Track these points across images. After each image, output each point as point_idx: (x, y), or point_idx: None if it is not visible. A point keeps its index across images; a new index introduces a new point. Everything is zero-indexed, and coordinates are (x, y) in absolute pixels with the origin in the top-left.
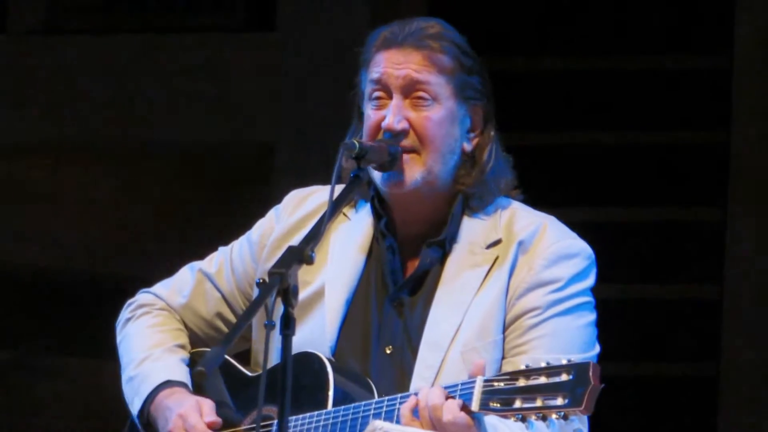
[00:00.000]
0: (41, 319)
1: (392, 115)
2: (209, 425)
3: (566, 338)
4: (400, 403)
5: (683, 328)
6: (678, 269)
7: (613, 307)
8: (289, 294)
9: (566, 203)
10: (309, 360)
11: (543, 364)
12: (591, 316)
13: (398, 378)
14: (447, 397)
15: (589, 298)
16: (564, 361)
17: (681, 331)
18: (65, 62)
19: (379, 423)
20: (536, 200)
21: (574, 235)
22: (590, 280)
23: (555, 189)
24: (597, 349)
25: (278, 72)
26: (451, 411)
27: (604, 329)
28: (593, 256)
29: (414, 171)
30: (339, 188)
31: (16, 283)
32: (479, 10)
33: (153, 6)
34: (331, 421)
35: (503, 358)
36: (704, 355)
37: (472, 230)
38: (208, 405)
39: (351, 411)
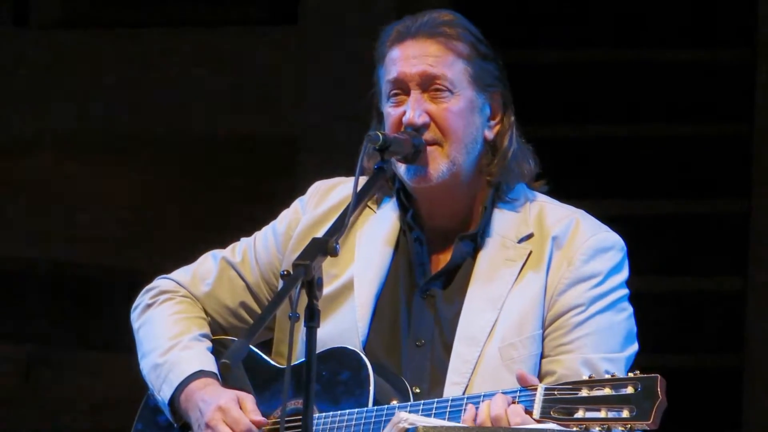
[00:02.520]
0: (64, 314)
1: (412, 109)
2: (255, 423)
3: (611, 335)
4: (452, 408)
5: (708, 319)
6: (702, 261)
7: (638, 299)
8: (313, 286)
9: (589, 196)
10: (347, 356)
11: (606, 376)
12: (630, 309)
13: (431, 371)
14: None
15: (626, 291)
16: (630, 374)
17: (706, 323)
18: (86, 56)
19: (404, 414)
20: (560, 193)
21: (606, 227)
22: (625, 272)
23: (578, 181)
24: (636, 343)
25: (302, 64)
26: (519, 414)
27: (644, 321)
28: (626, 247)
29: (438, 164)
30: (363, 181)
31: (37, 278)
32: (503, 2)
33: None
34: (364, 420)
35: (544, 355)
36: (729, 347)
37: (503, 223)
38: (250, 400)
39: (385, 411)
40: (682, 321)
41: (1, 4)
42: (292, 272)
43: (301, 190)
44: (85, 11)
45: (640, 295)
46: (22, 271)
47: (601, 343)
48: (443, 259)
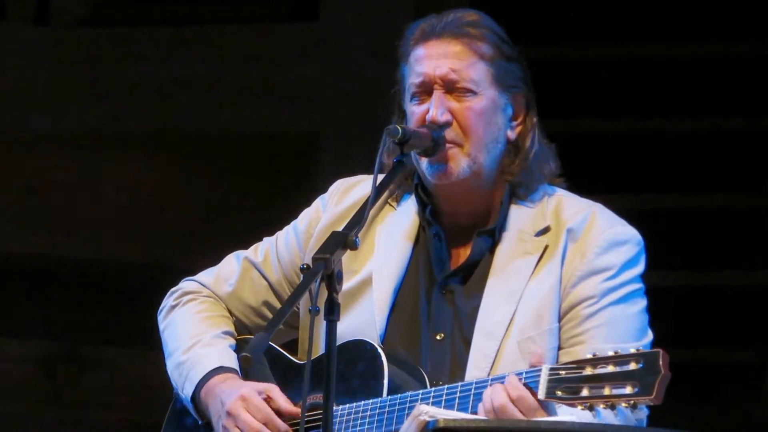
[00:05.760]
0: (89, 311)
1: (435, 107)
2: (289, 413)
3: (622, 327)
4: (461, 393)
5: (737, 314)
6: (733, 256)
7: (670, 294)
8: (333, 279)
9: (627, 190)
10: (362, 347)
11: (610, 353)
12: (643, 303)
13: (450, 365)
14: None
15: (640, 285)
16: (632, 350)
17: (735, 318)
18: (108, 54)
19: (424, 407)
20: (591, 187)
21: (623, 221)
22: (641, 267)
23: (612, 175)
24: (650, 335)
25: (322, 62)
26: (524, 401)
27: (663, 316)
28: (642, 242)
29: (459, 162)
30: (382, 178)
31: (64, 275)
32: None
33: None
34: (387, 409)
35: (560, 348)
36: (758, 341)
37: (520, 218)
38: (276, 390)
39: (408, 399)
40: (711, 316)
41: (24, 3)
42: (311, 266)
43: (322, 188)
44: (107, 10)
45: (673, 290)
46: (50, 269)
47: (612, 334)
48: (462, 255)
